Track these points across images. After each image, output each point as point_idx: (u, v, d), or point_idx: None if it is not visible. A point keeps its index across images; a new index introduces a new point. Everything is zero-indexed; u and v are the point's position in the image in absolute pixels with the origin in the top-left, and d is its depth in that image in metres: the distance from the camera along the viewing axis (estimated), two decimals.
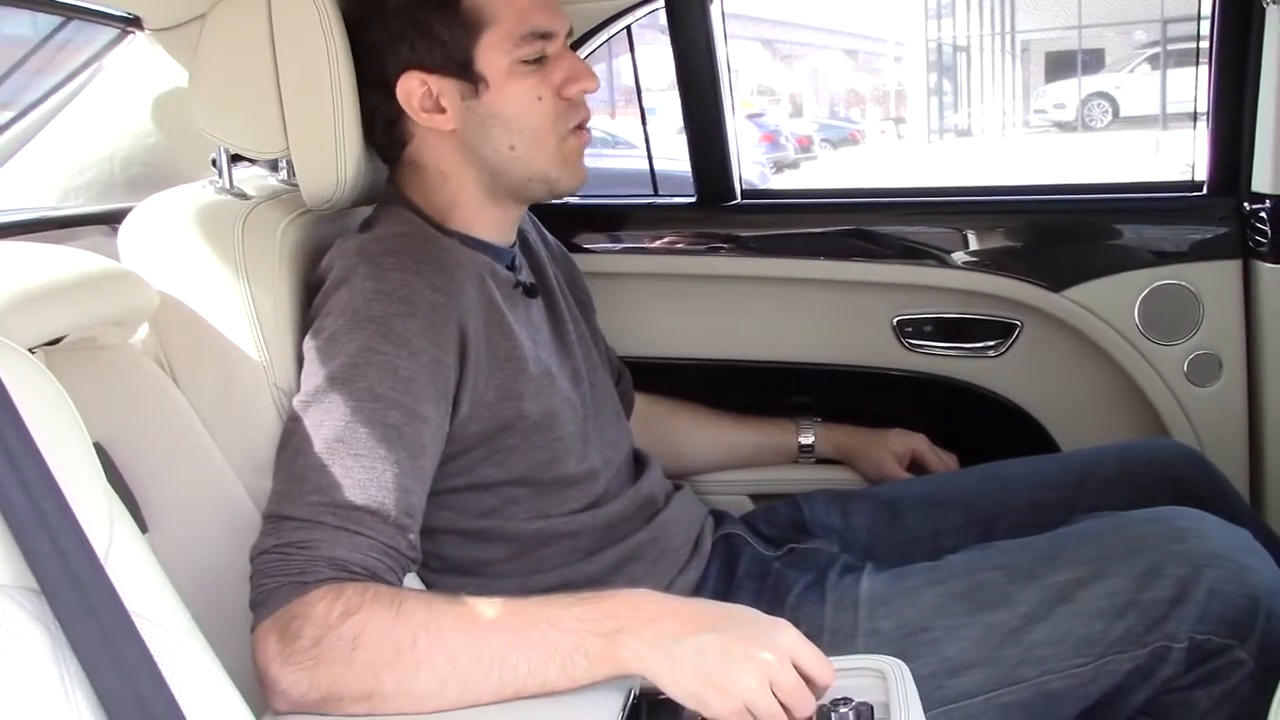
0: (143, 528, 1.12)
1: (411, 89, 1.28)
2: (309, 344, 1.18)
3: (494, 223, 1.35)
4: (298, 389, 1.18)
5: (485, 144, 1.30)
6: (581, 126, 1.32)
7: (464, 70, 1.27)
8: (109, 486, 0.94)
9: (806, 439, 1.75)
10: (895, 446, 1.72)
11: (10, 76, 1.72)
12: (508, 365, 1.26)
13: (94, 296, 1.10)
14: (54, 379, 0.90)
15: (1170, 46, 17.57)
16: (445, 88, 1.28)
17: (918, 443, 1.72)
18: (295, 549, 1.05)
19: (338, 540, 1.06)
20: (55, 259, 1.10)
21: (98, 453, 1.08)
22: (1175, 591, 1.19)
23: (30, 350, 1.00)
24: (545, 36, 1.28)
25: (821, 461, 1.77)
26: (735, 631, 0.99)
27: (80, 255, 1.13)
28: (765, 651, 0.96)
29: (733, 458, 1.78)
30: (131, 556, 0.91)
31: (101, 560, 0.81)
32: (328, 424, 1.11)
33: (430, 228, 1.30)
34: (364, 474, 1.09)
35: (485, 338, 1.24)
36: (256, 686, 1.02)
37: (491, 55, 1.26)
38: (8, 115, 1.66)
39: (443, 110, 1.29)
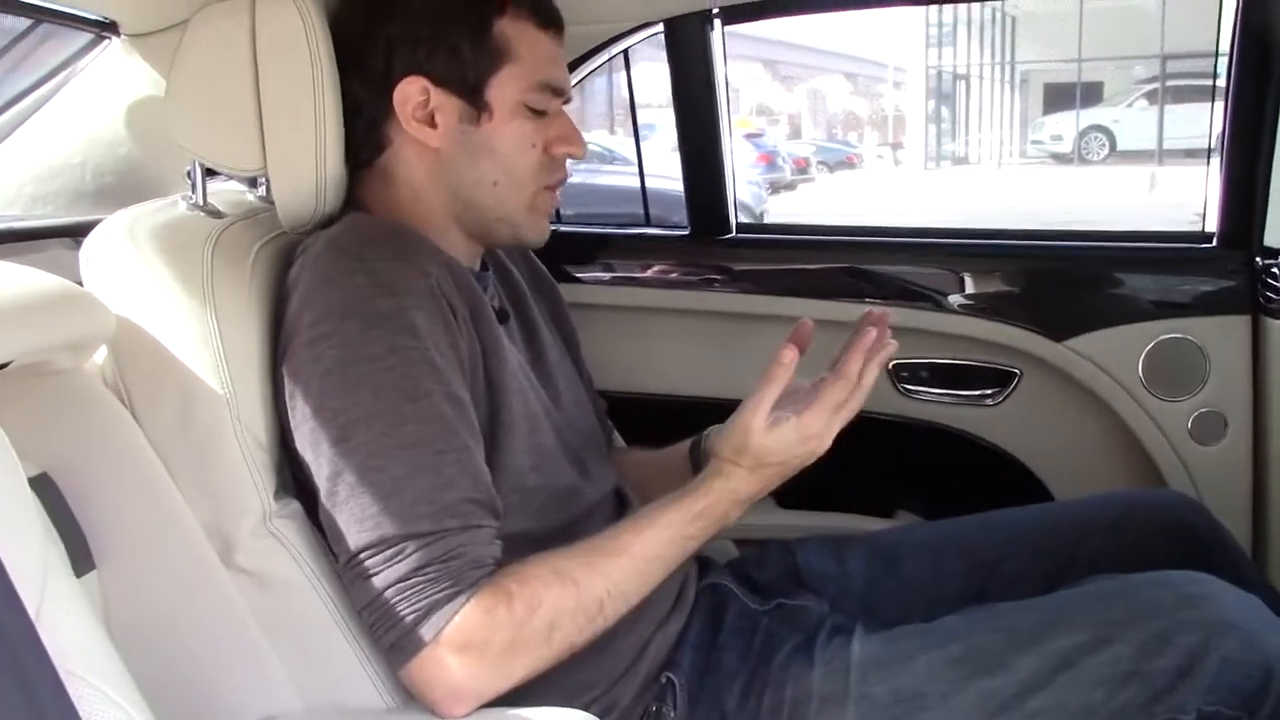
0: (90, 564, 1.06)
1: (410, 94, 1.24)
2: (310, 355, 1.13)
3: (458, 248, 1.31)
4: (289, 410, 1.14)
5: (469, 172, 1.27)
6: (554, 187, 1.32)
7: (473, 94, 1.25)
8: (47, 529, 0.88)
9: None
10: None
11: None
12: (493, 357, 1.22)
13: (43, 320, 1.04)
14: None
15: (1169, 83, 17.71)
16: (446, 104, 1.25)
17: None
18: (437, 565, 1.06)
19: (468, 541, 1.08)
20: (2, 278, 1.04)
21: (44, 483, 1.03)
22: (1184, 661, 1.14)
23: None
24: (556, 92, 1.28)
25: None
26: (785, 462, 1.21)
27: (31, 274, 1.07)
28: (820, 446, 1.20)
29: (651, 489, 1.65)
30: (67, 611, 0.86)
31: (33, 615, 0.75)
32: (394, 433, 1.08)
33: (397, 223, 1.27)
34: (453, 468, 1.09)
35: (473, 324, 1.20)
36: None
37: (504, 89, 1.25)
38: None
39: (434, 125, 1.25)
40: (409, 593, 1.05)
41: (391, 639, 1.06)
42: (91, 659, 0.84)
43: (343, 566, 1.10)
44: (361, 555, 1.07)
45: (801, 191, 17.31)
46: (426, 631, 1.04)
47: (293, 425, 1.14)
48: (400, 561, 1.06)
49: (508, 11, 1.25)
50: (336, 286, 1.14)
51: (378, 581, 1.06)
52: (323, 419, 1.11)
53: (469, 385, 1.17)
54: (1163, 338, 1.71)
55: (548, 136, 1.28)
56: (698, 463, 1.48)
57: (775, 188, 15.51)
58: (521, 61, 1.25)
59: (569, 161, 1.33)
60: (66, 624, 0.83)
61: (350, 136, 1.26)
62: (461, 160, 1.27)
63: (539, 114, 1.27)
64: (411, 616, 1.05)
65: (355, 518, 1.08)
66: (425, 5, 1.24)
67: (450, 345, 1.15)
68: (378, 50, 1.25)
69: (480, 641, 1.05)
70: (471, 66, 1.24)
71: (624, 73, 1.98)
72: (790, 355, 1.20)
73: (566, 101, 1.33)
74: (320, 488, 1.11)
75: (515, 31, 1.25)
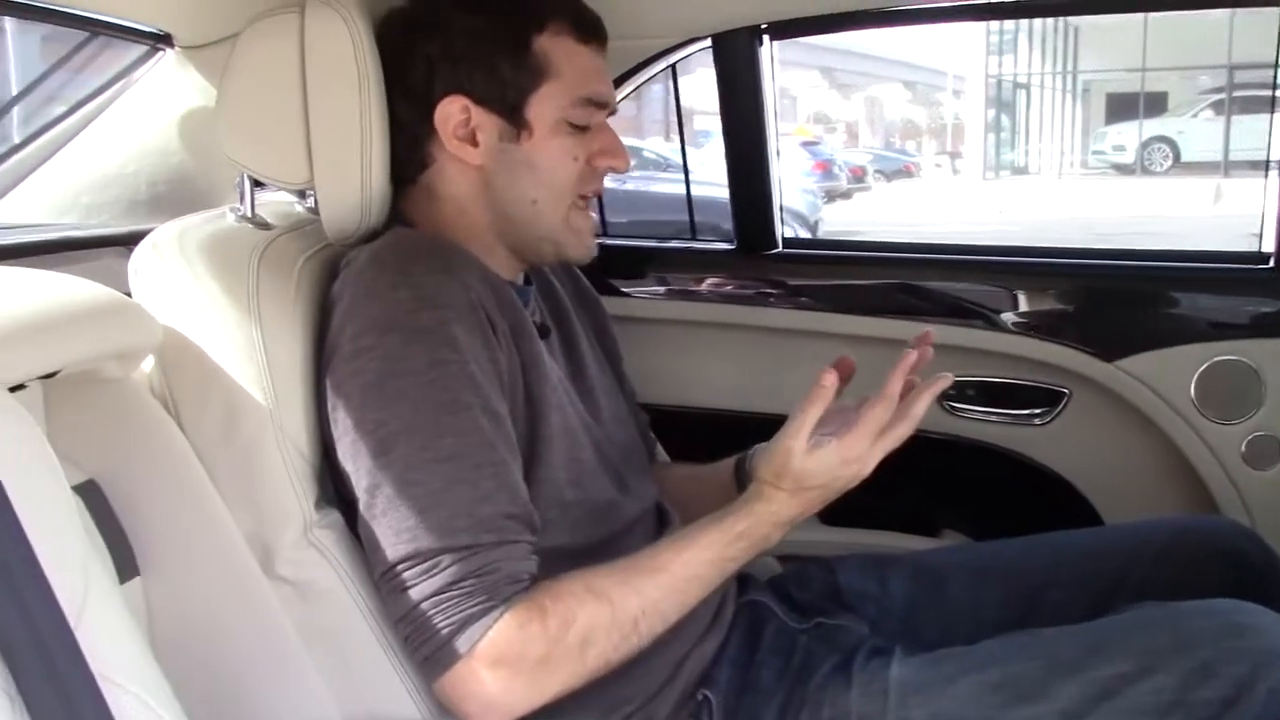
0: (134, 571, 1.07)
1: (451, 113, 1.25)
2: (351, 368, 1.14)
3: (501, 263, 1.31)
4: (330, 422, 1.16)
5: (510, 190, 1.28)
6: (587, 200, 1.32)
7: (512, 113, 1.25)
8: (88, 536, 0.90)
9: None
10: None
11: (54, 74, 1.69)
12: (534, 371, 1.23)
13: (92, 330, 1.06)
14: (31, 421, 0.85)
15: (1236, 93, 17.40)
16: (486, 123, 1.25)
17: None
18: (472, 579, 1.07)
19: (504, 555, 1.08)
20: (53, 288, 1.06)
21: (91, 490, 1.05)
22: (1230, 692, 1.11)
23: (23, 385, 0.97)
24: (600, 105, 1.28)
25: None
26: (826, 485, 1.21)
27: (81, 284, 1.09)
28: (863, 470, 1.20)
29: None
30: (107, 617, 0.87)
31: (72, 621, 0.77)
32: (432, 446, 1.10)
33: (441, 238, 1.28)
34: (490, 482, 1.10)
35: (513, 338, 1.21)
36: None
37: (545, 106, 1.25)
38: (56, 110, 1.64)
39: (475, 144, 1.26)
40: (444, 606, 1.06)
41: (426, 652, 1.07)
42: (130, 667, 0.85)
43: (379, 578, 1.11)
44: (398, 567, 1.08)
45: (857, 200, 17.20)
46: (461, 645, 1.06)
47: (334, 437, 1.16)
48: (436, 575, 1.07)
49: (547, 28, 1.25)
50: (379, 300, 1.15)
51: (414, 594, 1.07)
52: (363, 431, 1.12)
53: (508, 400, 1.18)
54: (1216, 359, 1.68)
55: (590, 150, 1.29)
56: (743, 481, 1.46)
57: (831, 196, 15.41)
58: (562, 78, 1.25)
59: (610, 175, 1.33)
60: (107, 631, 0.84)
61: (394, 153, 1.27)
62: (503, 177, 1.27)
63: (581, 129, 1.27)
64: (446, 630, 1.06)
65: (393, 530, 1.09)
66: (465, 24, 1.25)
67: (490, 359, 1.15)
68: (419, 69, 1.26)
69: (514, 656, 1.06)
70: (511, 85, 1.24)
71: (681, 80, 1.98)
72: (831, 379, 1.19)
73: (612, 114, 1.33)
74: (359, 499, 1.13)
75: (555, 47, 1.25)
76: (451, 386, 1.11)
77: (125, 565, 1.06)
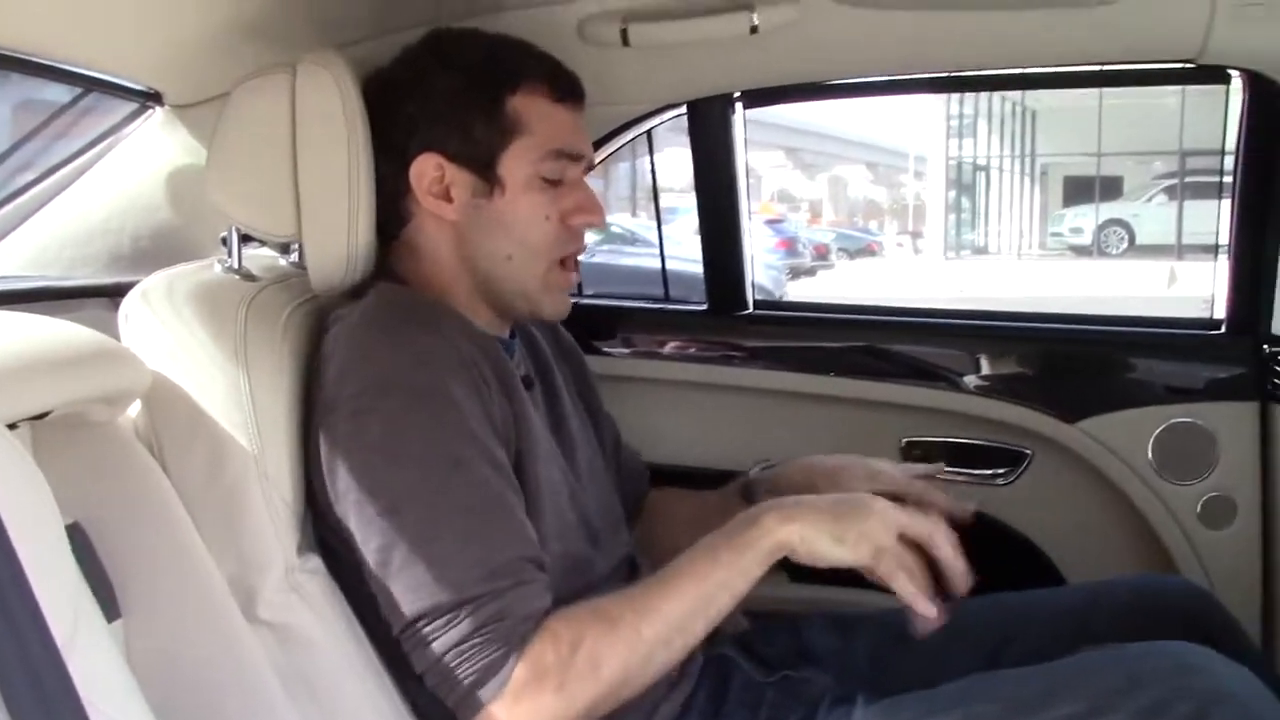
0: (116, 613, 1.08)
1: (425, 170, 1.29)
2: (352, 427, 1.17)
3: (483, 318, 1.34)
4: (327, 478, 1.18)
5: (484, 245, 1.31)
6: (569, 261, 1.34)
7: (485, 169, 1.28)
8: (79, 572, 0.91)
9: (754, 473, 1.57)
10: (860, 476, 1.48)
11: (33, 139, 1.72)
12: (521, 425, 1.25)
13: (83, 373, 1.08)
14: (28, 457, 0.87)
15: (1188, 179, 17.80)
16: (459, 179, 1.29)
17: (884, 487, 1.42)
18: (493, 625, 1.10)
19: (520, 597, 1.11)
20: (44, 331, 1.08)
21: (75, 532, 1.06)
22: None
23: (14, 424, 0.98)
24: (572, 158, 1.30)
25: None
26: (844, 499, 1.24)
27: (72, 329, 1.11)
28: (877, 506, 1.19)
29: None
30: (96, 650, 0.88)
31: (62, 650, 0.77)
32: (439, 503, 1.13)
33: (424, 296, 1.31)
34: (502, 532, 1.14)
35: (502, 393, 1.23)
36: None
37: (516, 163, 1.28)
38: (27, 178, 1.66)
39: (450, 200, 1.29)
40: (465, 657, 1.09)
41: (453, 700, 1.11)
42: (119, 699, 0.87)
43: (400, 633, 1.14)
44: (419, 623, 1.11)
45: (821, 277, 17.38)
46: (485, 694, 1.09)
47: (333, 494, 1.17)
48: (454, 627, 1.10)
49: (521, 88, 1.28)
50: (374, 361, 1.18)
51: (435, 648, 1.10)
52: (370, 492, 1.15)
53: (504, 451, 1.21)
54: (1172, 422, 1.72)
55: (564, 207, 1.30)
56: (750, 497, 1.52)
57: (795, 273, 15.57)
58: (533, 135, 1.28)
59: (593, 238, 1.36)
60: (96, 664, 0.86)
61: (379, 209, 1.31)
62: (477, 234, 1.30)
63: (555, 184, 1.30)
64: (469, 680, 1.09)
65: (409, 586, 1.12)
66: (441, 84, 1.29)
67: (485, 413, 1.19)
68: (398, 126, 1.30)
69: (534, 690, 1.09)
70: (483, 142, 1.28)
71: (646, 157, 2.04)
72: None
73: (589, 169, 1.36)
74: (370, 558, 1.14)
75: (527, 106, 1.28)
76: (455, 444, 1.15)
77: (107, 607, 1.06)
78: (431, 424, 1.15)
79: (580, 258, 1.38)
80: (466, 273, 1.32)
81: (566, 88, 1.31)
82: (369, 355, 1.19)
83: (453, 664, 1.09)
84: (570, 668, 1.10)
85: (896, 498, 1.40)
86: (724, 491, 1.59)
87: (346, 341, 1.21)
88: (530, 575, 1.14)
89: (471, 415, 1.16)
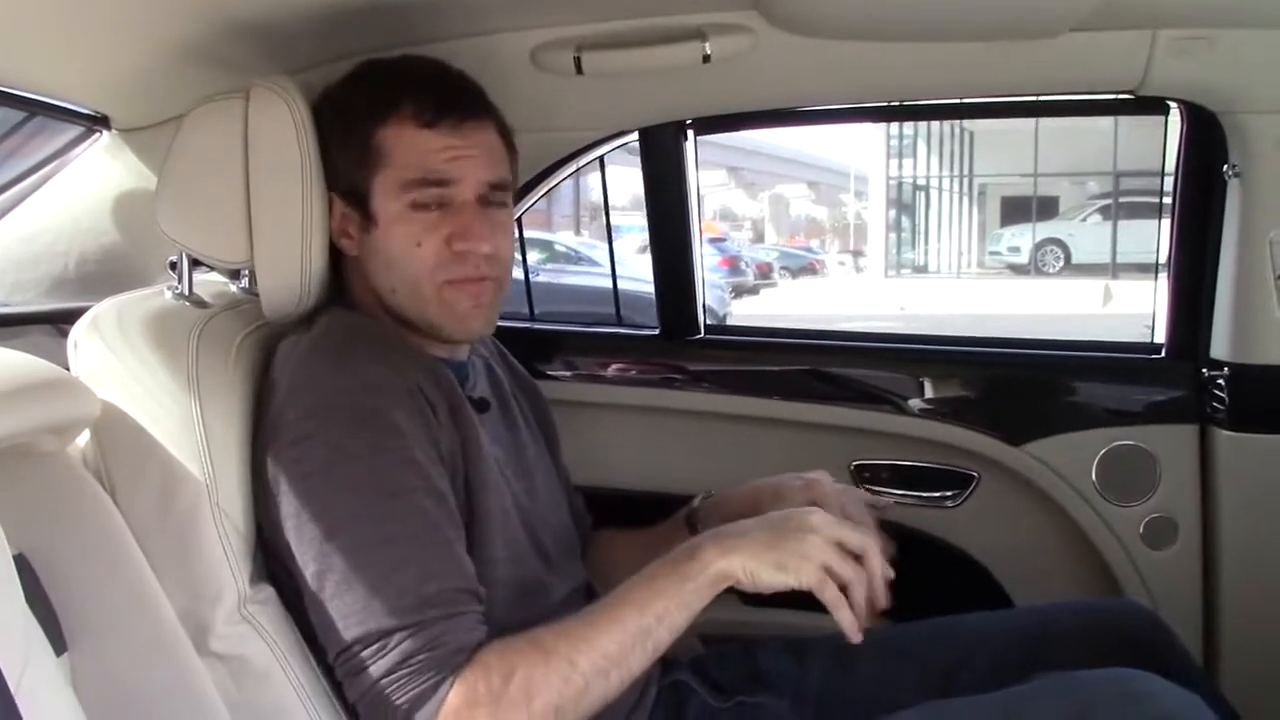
0: (62, 647, 1.06)
1: (334, 207, 1.30)
2: (294, 454, 1.16)
3: (426, 341, 1.33)
4: (273, 503, 1.17)
5: (377, 278, 1.31)
6: (469, 284, 1.29)
7: (362, 204, 1.28)
8: (26, 607, 0.89)
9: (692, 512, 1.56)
10: (795, 502, 1.44)
11: None
12: (471, 449, 1.25)
13: (31, 403, 1.06)
14: None
15: (1122, 199, 18.13)
16: (350, 216, 1.30)
17: (820, 488, 1.46)
18: (424, 653, 1.09)
19: (451, 628, 1.10)
20: None
21: (19, 565, 1.03)
22: None
23: None
24: (441, 183, 1.27)
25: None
26: (780, 521, 1.21)
27: (18, 358, 1.09)
28: (813, 522, 1.18)
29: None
30: (46, 688, 0.86)
31: (12, 689, 0.76)
32: (375, 529, 1.12)
33: (376, 324, 1.31)
34: (435, 561, 1.13)
35: (451, 422, 1.23)
36: None
37: (383, 195, 1.27)
38: None
39: (350, 236, 1.31)
40: (398, 684, 1.08)
41: None
42: None
43: (334, 660, 1.13)
44: (353, 648, 1.10)
45: (764, 296, 17.48)
46: (422, 715, 1.08)
47: (277, 518, 1.17)
48: (387, 654, 1.09)
49: (390, 120, 1.27)
50: (319, 387, 1.18)
51: (369, 674, 1.09)
52: (308, 516, 1.14)
53: (449, 479, 1.20)
54: (1115, 444, 1.75)
55: (444, 233, 1.27)
56: (694, 526, 1.52)
57: (739, 291, 15.66)
58: (394, 165, 1.27)
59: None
60: (46, 701, 0.84)
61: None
62: (370, 268, 1.30)
63: (431, 209, 1.27)
64: (401, 708, 1.08)
65: (342, 613, 1.11)
66: (326, 121, 1.30)
67: (430, 441, 1.18)
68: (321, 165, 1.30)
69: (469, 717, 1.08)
70: (355, 178, 1.28)
71: (589, 176, 2.04)
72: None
73: (503, 191, 1.32)
74: (309, 583, 1.14)
75: (393, 137, 1.27)
76: (395, 471, 1.14)
77: (54, 642, 1.05)
78: (373, 451, 1.14)
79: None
80: (379, 304, 1.32)
81: (436, 112, 1.27)
82: (314, 380, 1.19)
83: (385, 691, 1.08)
84: (502, 698, 1.09)
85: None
86: (670, 523, 1.58)
87: (294, 366, 1.21)
88: (464, 606, 1.13)
89: (415, 443, 1.16)
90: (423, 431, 1.18)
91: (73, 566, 1.12)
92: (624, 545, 1.64)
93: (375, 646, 1.09)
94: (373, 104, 1.28)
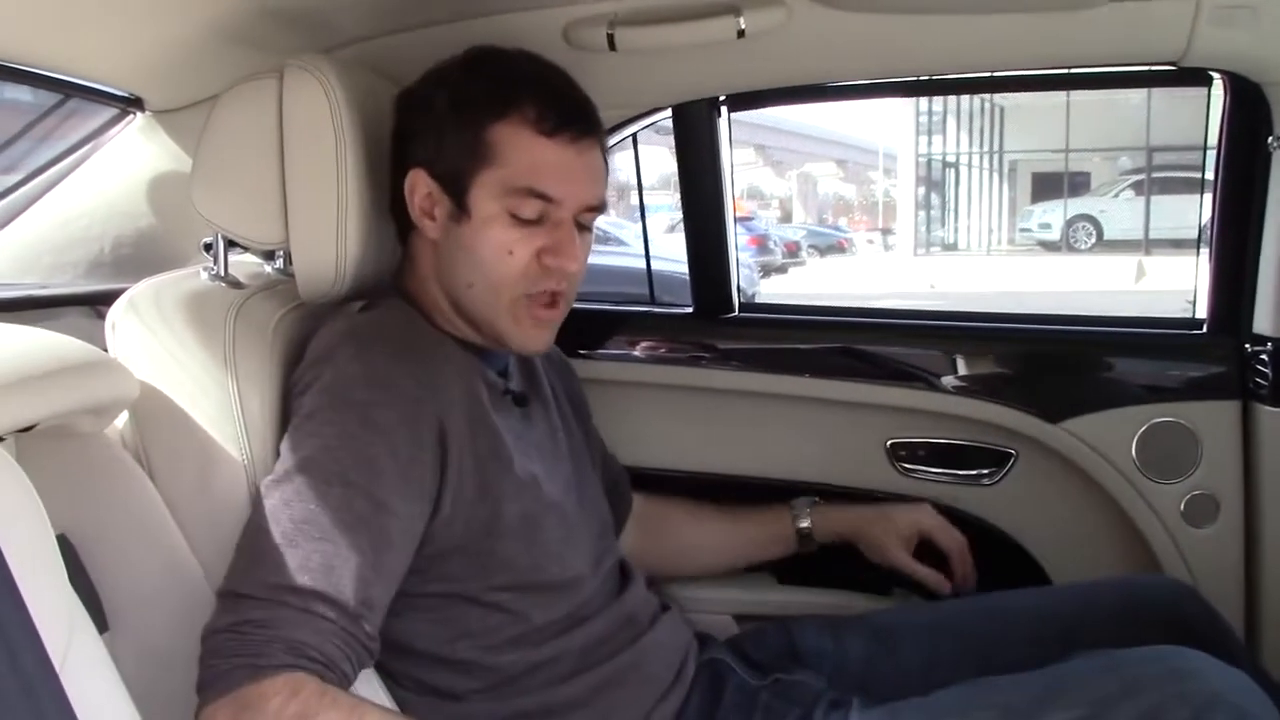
0: (103, 626, 1.07)
1: (416, 184, 1.28)
2: (293, 423, 1.18)
3: (471, 334, 1.32)
4: None
5: (453, 269, 1.29)
6: (544, 298, 1.28)
7: (458, 194, 1.26)
8: (70, 587, 0.90)
9: (803, 524, 1.65)
10: (900, 529, 1.63)
11: (14, 144, 1.70)
12: (491, 464, 1.24)
13: (72, 384, 1.06)
14: (20, 471, 0.86)
15: (1155, 174, 17.96)
16: (441, 200, 1.27)
17: (924, 517, 1.65)
18: (252, 628, 1.04)
19: (297, 622, 1.05)
20: (33, 343, 1.07)
21: (61, 545, 1.05)
22: None
23: (1, 438, 0.97)
24: (547, 199, 1.25)
25: (824, 548, 1.68)
26: None
27: (59, 339, 1.10)
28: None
29: (733, 552, 1.70)
30: (90, 665, 0.87)
31: (57, 667, 0.77)
32: (295, 505, 1.11)
33: (423, 321, 1.29)
34: (323, 559, 1.08)
35: (468, 435, 1.22)
36: None
37: (481, 193, 1.25)
38: (5, 183, 1.64)
39: (433, 219, 1.28)
40: (225, 644, 1.05)
41: (198, 681, 1.06)
42: (112, 714, 0.86)
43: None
44: (219, 596, 1.09)
45: (793, 274, 17.44)
46: (216, 686, 1.03)
47: None
48: (229, 613, 1.06)
49: (509, 116, 1.24)
50: (331, 365, 1.19)
51: (210, 624, 1.07)
52: (270, 473, 1.16)
53: (422, 501, 1.18)
54: (1156, 421, 1.73)
55: (537, 245, 1.25)
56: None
57: (767, 270, 15.62)
58: (505, 167, 1.24)
59: None
60: (89, 679, 0.85)
61: (395, 218, 1.32)
62: (449, 256, 1.28)
63: (528, 223, 1.24)
64: (214, 667, 1.04)
65: (233, 564, 1.11)
66: (439, 101, 1.27)
67: (411, 456, 1.16)
68: (402, 138, 1.29)
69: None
70: (457, 166, 1.25)
71: (615, 157, 2.03)
72: None
73: (595, 212, 1.30)
74: None
75: (508, 136, 1.24)
76: (344, 461, 1.13)
77: (96, 621, 1.06)
78: (337, 435, 1.14)
79: None
80: (444, 292, 1.31)
81: (558, 121, 1.25)
82: (330, 360, 1.19)
83: (212, 644, 1.05)
84: None
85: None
86: (770, 511, 1.68)
87: (326, 341, 1.22)
88: (324, 612, 1.07)
89: (390, 449, 1.14)
90: (406, 442, 1.16)
91: (113, 546, 1.13)
92: (696, 520, 1.69)
93: (229, 603, 1.07)
94: (491, 97, 1.25)
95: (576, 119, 1.26)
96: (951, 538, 1.64)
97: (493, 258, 1.25)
